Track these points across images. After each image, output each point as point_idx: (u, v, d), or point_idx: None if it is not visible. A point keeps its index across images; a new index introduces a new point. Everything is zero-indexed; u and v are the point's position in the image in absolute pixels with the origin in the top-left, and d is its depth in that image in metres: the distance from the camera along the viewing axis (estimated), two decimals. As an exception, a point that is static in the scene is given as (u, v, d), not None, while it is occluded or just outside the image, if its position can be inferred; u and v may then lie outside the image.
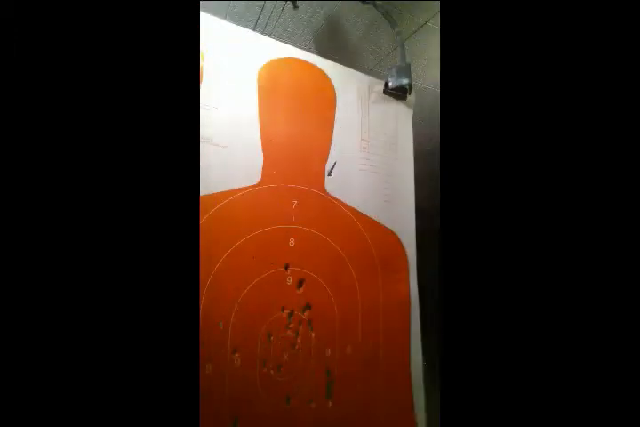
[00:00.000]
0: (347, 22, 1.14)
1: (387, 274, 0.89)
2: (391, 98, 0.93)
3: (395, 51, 0.97)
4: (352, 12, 1.10)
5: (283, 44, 0.80)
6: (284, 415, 0.73)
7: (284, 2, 1.03)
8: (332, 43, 1.11)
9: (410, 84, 0.90)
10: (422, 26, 1.26)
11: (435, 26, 1.28)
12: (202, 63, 0.70)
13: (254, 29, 1.14)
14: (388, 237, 0.91)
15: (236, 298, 0.70)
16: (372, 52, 1.21)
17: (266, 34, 1.12)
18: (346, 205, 0.86)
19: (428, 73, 1.40)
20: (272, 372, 0.72)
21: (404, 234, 0.93)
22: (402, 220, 0.93)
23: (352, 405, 0.80)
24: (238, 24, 0.76)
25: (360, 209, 0.88)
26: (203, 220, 0.67)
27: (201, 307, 0.66)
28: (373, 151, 0.92)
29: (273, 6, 1.09)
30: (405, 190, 0.96)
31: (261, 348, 0.71)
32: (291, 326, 0.75)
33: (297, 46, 0.82)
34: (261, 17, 1.10)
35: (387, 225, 0.91)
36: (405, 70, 0.91)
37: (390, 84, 0.91)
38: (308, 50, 1.01)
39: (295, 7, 0.98)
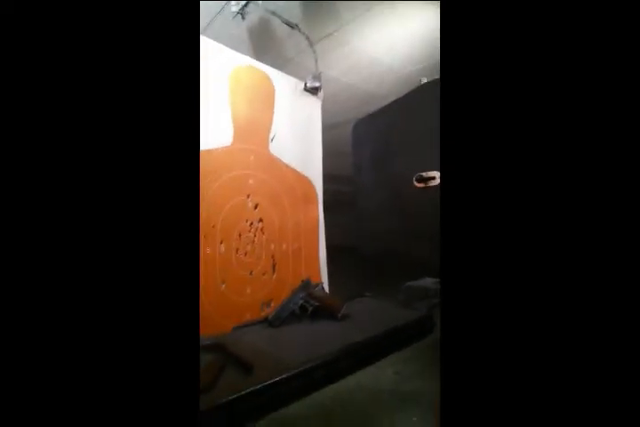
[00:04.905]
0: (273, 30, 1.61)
1: (305, 203, 1.49)
2: (308, 93, 1.47)
3: (302, 53, 1.47)
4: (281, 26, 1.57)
5: (241, 54, 1.26)
6: (249, 281, 1.30)
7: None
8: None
9: (320, 86, 1.45)
10: (328, 35, 1.79)
11: (337, 34, 1.82)
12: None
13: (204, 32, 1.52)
14: (306, 181, 1.50)
15: (221, 212, 1.21)
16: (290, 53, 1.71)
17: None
18: (281, 161, 1.40)
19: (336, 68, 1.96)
20: (242, 256, 1.28)
21: (314, 180, 1.53)
22: (314, 170, 1.53)
23: (286, 275, 1.41)
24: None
25: (289, 163, 1.43)
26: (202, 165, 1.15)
27: (203, 216, 1.16)
28: (297, 127, 1.46)
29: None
30: (316, 151, 1.54)
31: (235, 241, 1.26)
32: (251, 230, 1.30)
33: (251, 56, 1.29)
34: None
35: (304, 174, 1.49)
36: (317, 77, 1.45)
37: (308, 84, 1.44)
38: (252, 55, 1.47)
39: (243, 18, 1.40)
